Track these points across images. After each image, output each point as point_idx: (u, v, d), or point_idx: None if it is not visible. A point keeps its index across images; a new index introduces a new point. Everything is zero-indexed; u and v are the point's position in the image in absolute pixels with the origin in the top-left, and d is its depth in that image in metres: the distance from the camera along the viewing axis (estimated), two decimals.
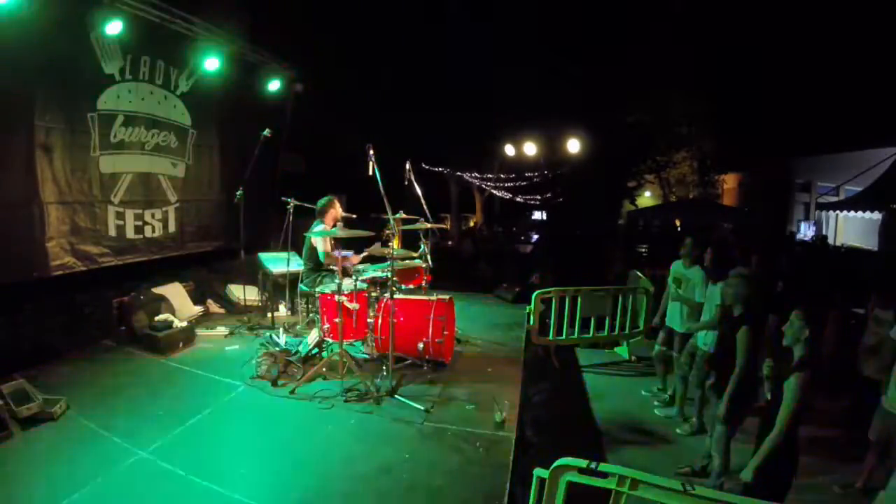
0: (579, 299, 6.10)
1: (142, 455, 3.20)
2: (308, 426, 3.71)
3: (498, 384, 4.52)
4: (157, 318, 5.26)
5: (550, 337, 6.04)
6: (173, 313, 5.54)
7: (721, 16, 16.52)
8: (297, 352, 4.75)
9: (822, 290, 5.90)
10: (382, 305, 4.76)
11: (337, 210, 5.36)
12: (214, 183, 7.18)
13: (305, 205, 5.75)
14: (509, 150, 14.58)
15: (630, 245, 13.98)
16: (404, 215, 5.51)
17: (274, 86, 7.40)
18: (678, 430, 4.71)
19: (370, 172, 4.38)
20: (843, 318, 5.13)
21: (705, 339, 4.55)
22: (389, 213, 4.57)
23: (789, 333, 2.87)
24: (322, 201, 5.37)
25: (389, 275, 4.47)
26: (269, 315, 5.99)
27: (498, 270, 10.27)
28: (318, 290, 4.76)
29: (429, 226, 5.66)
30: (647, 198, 25.01)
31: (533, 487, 2.35)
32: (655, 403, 5.35)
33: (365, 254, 5.49)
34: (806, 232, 17.91)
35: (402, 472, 3.16)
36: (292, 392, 4.18)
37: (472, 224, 23.33)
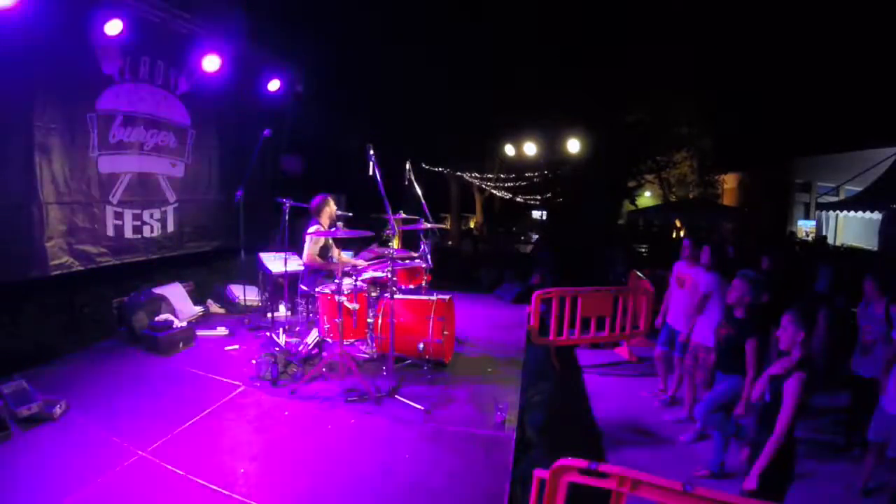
0: (579, 299, 6.10)
1: (142, 455, 3.20)
2: (308, 426, 3.71)
3: (498, 384, 4.52)
4: (157, 318, 5.25)
5: (550, 337, 6.03)
6: (173, 313, 5.54)
7: (721, 16, 16.50)
8: (297, 352, 4.75)
9: (819, 290, 5.88)
10: (382, 305, 4.76)
11: (332, 208, 5.33)
12: (214, 183, 7.17)
13: (300, 205, 5.73)
14: (509, 150, 14.58)
15: (630, 245, 13.98)
16: (404, 215, 5.50)
17: (274, 86, 7.39)
18: (682, 438, 4.68)
19: (370, 172, 4.38)
20: (838, 317, 5.11)
21: (705, 335, 4.54)
22: (389, 213, 4.57)
23: (784, 335, 2.86)
24: (316, 201, 5.34)
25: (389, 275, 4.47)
26: (269, 315, 5.99)
27: (498, 270, 10.26)
28: (318, 290, 4.76)
29: (429, 226, 5.65)
30: (647, 198, 25.00)
31: (533, 488, 2.35)
32: (659, 406, 5.34)
33: (369, 254, 5.49)
34: (807, 232, 17.90)
35: (402, 473, 3.15)
36: (292, 392, 4.18)
37: (472, 224, 23.33)
